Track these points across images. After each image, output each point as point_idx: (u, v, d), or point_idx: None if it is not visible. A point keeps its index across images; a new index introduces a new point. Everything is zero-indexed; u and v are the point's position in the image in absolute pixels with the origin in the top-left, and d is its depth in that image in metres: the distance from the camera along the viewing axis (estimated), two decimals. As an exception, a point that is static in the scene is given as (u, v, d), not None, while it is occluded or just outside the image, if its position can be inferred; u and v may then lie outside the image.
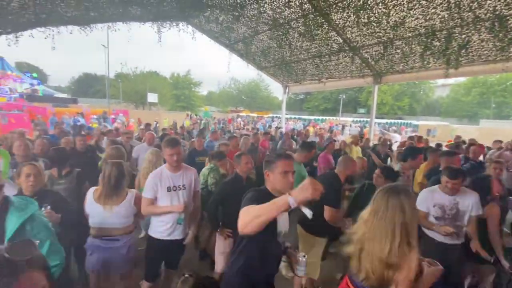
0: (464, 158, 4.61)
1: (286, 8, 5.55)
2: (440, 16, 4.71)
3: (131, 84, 41.70)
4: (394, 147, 7.41)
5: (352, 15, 5.22)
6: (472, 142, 5.61)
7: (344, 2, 4.99)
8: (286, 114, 12.83)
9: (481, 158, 5.03)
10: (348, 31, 5.86)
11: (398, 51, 6.08)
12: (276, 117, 34.11)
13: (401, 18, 4.98)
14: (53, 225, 1.79)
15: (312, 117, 40.14)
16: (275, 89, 59.84)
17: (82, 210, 2.21)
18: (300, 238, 2.77)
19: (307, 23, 5.72)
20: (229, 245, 2.64)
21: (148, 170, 3.03)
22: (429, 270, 1.32)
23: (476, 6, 4.28)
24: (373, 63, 7.00)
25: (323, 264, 2.70)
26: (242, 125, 20.15)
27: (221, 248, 2.72)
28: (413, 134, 10.11)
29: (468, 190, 2.47)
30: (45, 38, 5.76)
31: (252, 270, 1.55)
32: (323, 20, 5.59)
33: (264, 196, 1.40)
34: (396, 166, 4.10)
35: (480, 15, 4.43)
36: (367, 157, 5.29)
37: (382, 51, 6.24)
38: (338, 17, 5.46)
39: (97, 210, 2.12)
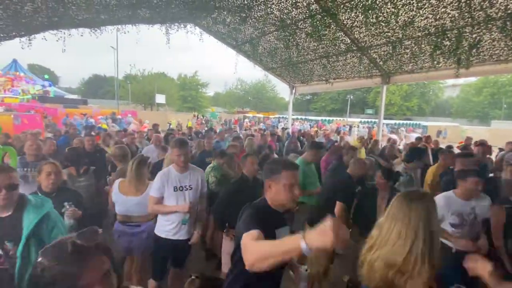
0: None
1: (294, 9, 5.55)
2: (450, 15, 4.63)
3: (139, 85, 42.27)
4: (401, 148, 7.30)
5: (360, 15, 5.18)
6: (482, 142, 5.50)
7: (352, 2, 4.95)
8: (293, 115, 12.81)
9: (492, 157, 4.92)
10: (356, 31, 5.82)
11: (407, 51, 6.00)
12: (283, 117, 34.04)
13: (410, 17, 4.92)
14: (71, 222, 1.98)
15: (319, 118, 39.87)
16: (282, 90, 59.81)
17: (101, 205, 2.48)
18: None
19: (315, 23, 5.70)
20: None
21: None
22: None
23: (487, 5, 4.19)
24: (381, 63, 6.93)
25: (331, 266, 2.68)
26: (249, 126, 20.18)
27: (227, 248, 2.73)
28: (419, 135, 9.91)
29: (481, 194, 2.38)
30: (57, 40, 5.91)
31: None
32: (330, 20, 5.56)
33: (265, 214, 1.33)
34: (399, 167, 4.03)
35: (491, 14, 4.34)
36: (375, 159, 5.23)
37: (390, 51, 6.17)
38: (346, 17, 5.42)
39: (122, 200, 2.44)
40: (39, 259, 0.70)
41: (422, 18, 4.87)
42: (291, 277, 1.71)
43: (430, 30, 5.13)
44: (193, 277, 1.54)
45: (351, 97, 46.78)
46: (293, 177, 1.37)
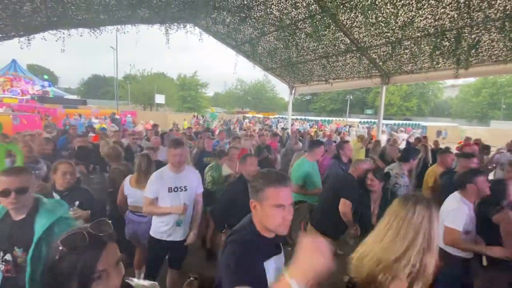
0: None
1: (293, 9, 5.55)
2: (449, 16, 4.64)
3: (139, 85, 42.26)
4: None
5: (359, 15, 5.19)
6: (477, 142, 5.51)
7: (352, 3, 4.96)
8: (292, 115, 12.81)
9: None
10: (355, 31, 5.82)
11: (407, 51, 6.00)
12: (282, 118, 34.06)
13: (410, 18, 4.92)
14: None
15: (318, 118, 39.92)
16: (281, 90, 59.85)
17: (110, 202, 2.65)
18: None
19: (314, 23, 5.70)
20: None
21: None
22: None
23: (486, 5, 4.20)
24: (381, 63, 6.93)
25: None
26: (249, 126, 20.16)
27: None
28: (414, 135, 9.89)
29: None
30: (56, 40, 5.90)
31: None
32: (330, 21, 5.56)
33: (252, 248, 1.06)
34: (395, 167, 3.99)
35: (490, 14, 4.35)
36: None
37: (390, 52, 6.17)
38: (346, 18, 5.43)
39: (132, 192, 2.70)
40: (60, 247, 0.74)
41: (422, 18, 4.88)
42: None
43: (429, 30, 5.14)
44: (191, 278, 1.54)
45: (351, 97, 46.88)
46: (281, 195, 1.07)
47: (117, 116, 18.10)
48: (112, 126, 13.37)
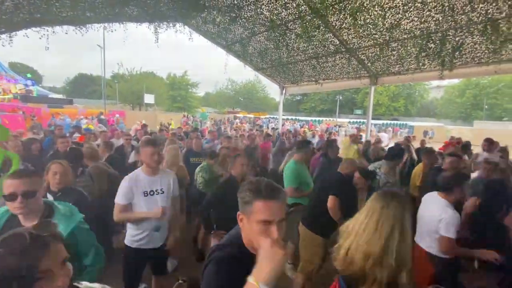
0: None
1: (283, 10, 5.57)
2: (434, 19, 4.77)
3: (127, 84, 41.47)
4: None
5: (348, 17, 5.26)
6: (458, 141, 5.67)
7: (341, 4, 5.02)
8: (283, 115, 12.87)
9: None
10: (344, 32, 5.90)
11: (394, 52, 6.14)
12: (273, 118, 34.19)
13: (397, 20, 5.03)
14: None
15: (309, 118, 40.29)
16: (272, 90, 60.01)
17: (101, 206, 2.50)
18: (301, 238, 2.78)
19: (304, 24, 5.75)
20: None
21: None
22: None
23: (469, 9, 4.34)
24: (369, 64, 7.06)
25: (324, 265, 2.70)
26: (240, 126, 20.15)
27: None
28: (407, 135, 10.14)
29: None
30: (40, 38, 5.71)
31: None
32: (319, 22, 5.62)
33: (238, 268, 0.92)
34: (382, 166, 4.06)
35: (473, 18, 4.50)
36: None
37: (378, 53, 6.29)
38: (335, 19, 5.49)
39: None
40: None
41: (408, 21, 4.99)
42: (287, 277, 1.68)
43: (415, 32, 5.26)
44: (180, 281, 1.52)
45: (340, 97, 47.46)
46: (270, 211, 0.95)
47: (102, 117, 17.63)
48: (100, 127, 13.06)
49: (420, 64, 6.17)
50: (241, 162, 2.72)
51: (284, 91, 10.34)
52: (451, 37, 5.08)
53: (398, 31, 5.34)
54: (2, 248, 0.73)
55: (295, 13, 5.56)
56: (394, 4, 4.70)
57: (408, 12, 4.79)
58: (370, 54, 6.55)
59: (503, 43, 4.70)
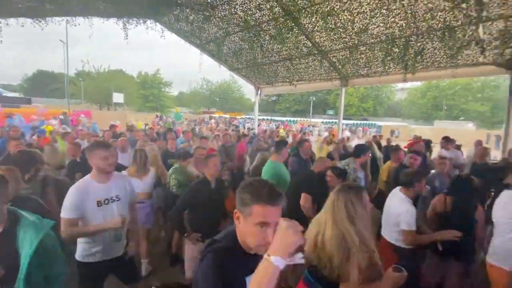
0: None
1: (257, 11, 5.60)
2: (398, 25, 5.08)
3: (94, 82, 39.15)
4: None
5: (320, 20, 5.43)
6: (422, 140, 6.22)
7: (313, 8, 5.16)
8: (259, 115, 12.93)
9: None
10: (316, 35, 6.08)
11: (363, 56, 6.44)
12: (249, 118, 34.25)
13: (365, 25, 5.29)
14: None
15: (284, 119, 40.95)
16: (248, 90, 60.10)
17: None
18: None
19: (278, 26, 5.83)
20: (199, 250, 2.57)
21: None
22: (392, 276, 1.40)
23: (429, 17, 4.68)
24: (340, 67, 7.33)
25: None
26: (215, 127, 19.89)
27: (190, 253, 2.64)
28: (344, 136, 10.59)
29: None
30: (-9, 30, 5.18)
31: None
32: (293, 24, 5.73)
33: (231, 261, 0.99)
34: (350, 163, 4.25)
35: (433, 25, 4.86)
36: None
37: (348, 56, 6.56)
38: (307, 22, 5.64)
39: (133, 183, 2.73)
40: None
41: (375, 26, 5.27)
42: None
43: (381, 37, 5.57)
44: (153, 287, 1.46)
45: (314, 98, 48.87)
46: (268, 215, 0.97)
47: (60, 117, 16.23)
48: (64, 128, 12.14)
49: (386, 67, 6.54)
50: (214, 162, 2.67)
51: (259, 92, 10.39)
52: (413, 42, 5.44)
53: (366, 35, 5.61)
54: None
55: (269, 14, 5.61)
56: (362, 10, 4.93)
57: (375, 18, 5.05)
58: (340, 57, 6.81)
59: (459, 49, 5.13)
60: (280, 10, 5.37)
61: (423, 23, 4.87)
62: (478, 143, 6.39)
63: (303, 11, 5.29)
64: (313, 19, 5.49)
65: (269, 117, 40.82)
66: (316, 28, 5.76)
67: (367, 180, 4.07)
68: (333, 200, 1.53)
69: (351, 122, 34.63)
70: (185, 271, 2.77)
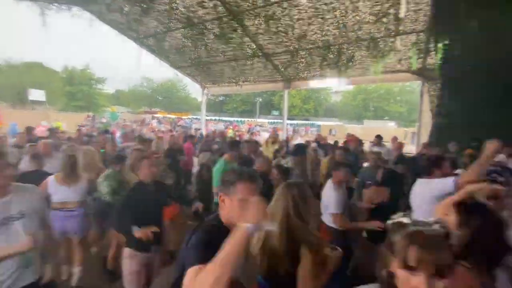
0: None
1: (200, 8, 5.45)
2: (333, 33, 5.58)
3: (2, 76, 32.78)
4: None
5: (263, 23, 5.58)
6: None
7: (256, 10, 5.27)
8: (207, 115, 12.67)
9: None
10: (260, 38, 6.24)
11: (303, 60, 6.87)
12: (197, 118, 33.24)
13: (304, 31, 5.65)
14: None
15: (232, 119, 41.01)
16: (194, 89, 58.25)
17: None
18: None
19: (222, 25, 5.78)
20: (137, 263, 2.37)
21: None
22: (332, 255, 1.55)
23: (357, 28, 5.27)
24: (282, 69, 7.68)
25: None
26: (155, 128, 18.65)
27: (127, 267, 2.40)
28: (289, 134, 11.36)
29: None
30: None
31: None
32: (237, 25, 5.76)
33: (218, 238, 1.06)
34: (290, 161, 4.52)
35: (360, 35, 5.48)
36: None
37: (289, 59, 6.92)
38: (251, 24, 5.74)
39: (59, 189, 2.80)
40: None
41: (312, 33, 5.67)
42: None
43: (319, 44, 6.03)
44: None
45: (260, 99, 50.22)
46: (251, 191, 1.17)
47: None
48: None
49: (323, 71, 7.12)
50: (148, 164, 2.50)
51: (205, 91, 10.17)
52: (345, 50, 6.05)
53: (305, 41, 6.00)
54: None
55: (213, 13, 5.53)
56: (301, 16, 5.25)
57: (312, 25, 5.44)
58: (283, 60, 7.14)
59: (381, 58, 5.90)
60: (224, 9, 5.34)
61: (353, 33, 5.45)
62: (395, 139, 7.50)
63: (246, 13, 5.36)
64: (256, 22, 5.61)
65: (217, 117, 40.40)
66: (260, 30, 5.91)
67: (304, 176, 4.35)
68: (279, 196, 1.62)
69: (294, 122, 36.75)
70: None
